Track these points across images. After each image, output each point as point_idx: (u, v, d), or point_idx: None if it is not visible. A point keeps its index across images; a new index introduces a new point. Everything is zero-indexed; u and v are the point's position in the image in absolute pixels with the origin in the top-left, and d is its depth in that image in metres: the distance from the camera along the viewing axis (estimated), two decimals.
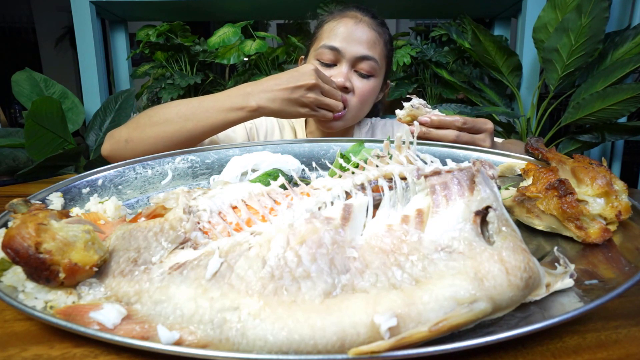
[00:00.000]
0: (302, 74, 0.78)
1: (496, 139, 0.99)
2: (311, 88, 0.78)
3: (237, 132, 1.00)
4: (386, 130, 1.12)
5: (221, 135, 0.94)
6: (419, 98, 0.74)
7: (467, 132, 0.73)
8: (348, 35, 0.92)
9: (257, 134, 1.04)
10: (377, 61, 0.95)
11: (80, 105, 2.04)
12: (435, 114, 0.73)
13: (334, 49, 0.92)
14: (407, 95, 0.75)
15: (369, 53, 0.93)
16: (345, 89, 0.93)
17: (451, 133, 0.72)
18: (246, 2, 2.03)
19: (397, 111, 0.76)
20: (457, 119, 0.72)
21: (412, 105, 0.73)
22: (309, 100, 0.79)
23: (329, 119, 0.85)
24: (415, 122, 0.73)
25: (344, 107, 0.93)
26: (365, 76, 0.95)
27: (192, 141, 0.81)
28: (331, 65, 0.94)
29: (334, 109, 0.83)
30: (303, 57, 1.09)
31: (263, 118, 1.06)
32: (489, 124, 0.74)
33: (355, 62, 0.93)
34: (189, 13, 2.20)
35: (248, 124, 1.02)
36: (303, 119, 1.11)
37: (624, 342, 0.31)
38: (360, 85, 0.94)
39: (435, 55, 2.12)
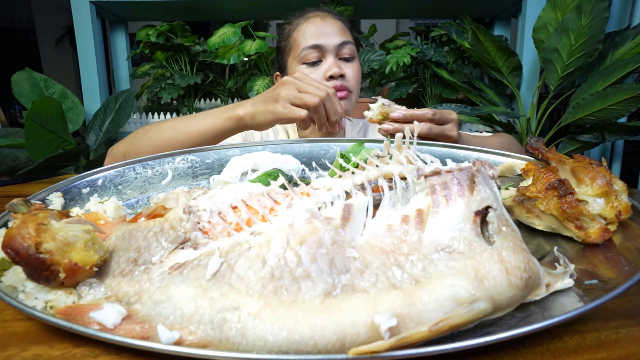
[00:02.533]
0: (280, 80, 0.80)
1: (475, 133, 1.01)
2: (283, 84, 0.77)
3: (235, 139, 1.01)
4: (378, 127, 1.13)
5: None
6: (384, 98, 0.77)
7: (436, 124, 0.76)
8: (321, 31, 0.99)
9: (253, 137, 1.07)
10: (353, 43, 1.02)
11: (80, 105, 2.04)
12: (406, 109, 0.75)
13: (316, 47, 0.98)
14: (373, 97, 0.77)
15: (345, 38, 1.00)
16: (342, 76, 0.98)
17: (424, 126, 0.74)
18: (246, 2, 2.03)
19: (366, 112, 0.76)
20: (427, 111, 0.74)
21: (383, 104, 0.74)
22: (280, 95, 0.76)
23: (301, 116, 0.75)
24: (415, 122, 0.73)
25: (347, 90, 0.98)
26: (349, 59, 1.02)
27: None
28: (317, 62, 0.99)
29: (309, 105, 0.75)
30: (278, 73, 1.12)
31: None
32: (453, 115, 0.77)
33: (337, 50, 1.00)
34: (189, 13, 2.20)
35: None
36: (295, 124, 1.12)
37: (624, 342, 0.31)
38: (349, 69, 1.01)
39: (435, 55, 2.11)
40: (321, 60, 0.99)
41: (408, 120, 0.74)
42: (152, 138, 0.84)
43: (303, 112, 0.75)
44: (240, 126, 0.80)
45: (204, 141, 0.81)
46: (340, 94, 0.96)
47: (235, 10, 2.20)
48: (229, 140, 0.97)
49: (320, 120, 0.76)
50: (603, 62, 1.74)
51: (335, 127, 0.78)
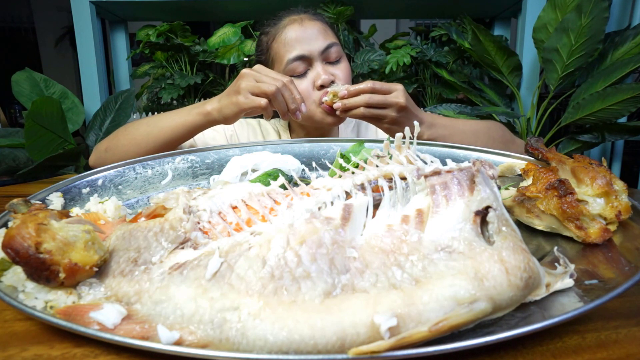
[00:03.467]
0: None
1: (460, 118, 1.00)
2: (242, 76, 0.79)
3: (217, 140, 1.01)
4: (371, 127, 1.13)
5: (199, 142, 0.97)
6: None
7: (379, 94, 0.79)
8: (302, 37, 0.94)
9: (238, 140, 1.06)
10: (337, 43, 0.97)
11: (80, 105, 2.04)
12: (349, 85, 0.81)
13: (301, 58, 0.93)
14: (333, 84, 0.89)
15: (328, 40, 0.95)
16: (332, 82, 0.95)
17: (364, 97, 0.79)
18: (246, 2, 2.03)
19: (324, 98, 0.87)
20: (367, 83, 0.79)
21: (333, 87, 0.86)
22: (240, 87, 0.79)
23: (261, 105, 0.77)
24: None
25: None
26: (337, 62, 0.97)
27: (161, 145, 0.85)
28: (306, 72, 0.94)
29: (267, 93, 0.76)
30: None
31: (244, 123, 1.08)
32: (398, 85, 0.81)
33: (323, 55, 0.95)
34: (189, 13, 2.20)
35: (228, 130, 1.04)
36: (286, 123, 1.12)
37: (624, 342, 0.31)
38: (339, 71, 0.97)
39: (435, 55, 2.11)
40: (309, 69, 0.94)
41: (352, 95, 0.80)
42: (130, 133, 0.88)
43: (263, 101, 0.77)
44: (210, 121, 0.83)
45: (177, 136, 0.85)
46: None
47: (235, 10, 2.19)
48: (209, 143, 0.98)
49: (280, 108, 0.79)
50: (603, 62, 1.74)
51: (296, 115, 0.80)
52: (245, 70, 0.80)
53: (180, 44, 2.15)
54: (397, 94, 0.79)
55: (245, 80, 0.78)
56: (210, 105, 0.82)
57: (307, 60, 0.93)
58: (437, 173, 0.39)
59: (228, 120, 0.82)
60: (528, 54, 1.94)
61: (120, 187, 0.65)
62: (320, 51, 0.93)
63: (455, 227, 0.34)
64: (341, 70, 0.96)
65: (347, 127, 1.13)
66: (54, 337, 0.32)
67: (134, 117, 2.20)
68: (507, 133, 0.94)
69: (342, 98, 0.81)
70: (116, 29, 2.29)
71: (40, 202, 0.41)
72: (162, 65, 2.29)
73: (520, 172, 0.59)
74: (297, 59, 0.93)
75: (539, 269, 0.33)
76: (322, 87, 0.92)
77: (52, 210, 0.37)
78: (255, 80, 0.78)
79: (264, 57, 1.02)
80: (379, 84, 0.79)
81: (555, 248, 0.38)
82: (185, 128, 0.84)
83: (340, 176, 0.44)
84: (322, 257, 0.32)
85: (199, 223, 0.41)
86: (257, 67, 0.81)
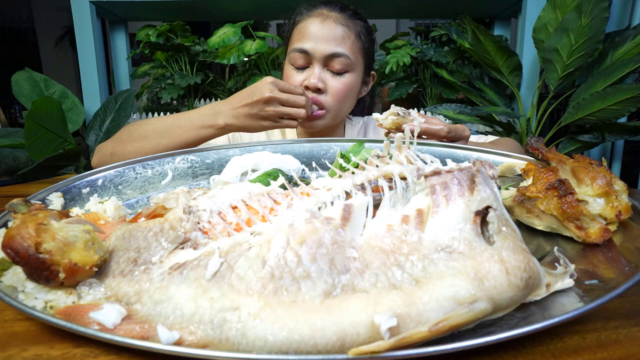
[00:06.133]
0: (259, 88, 0.79)
1: (478, 136, 0.99)
2: (268, 101, 0.79)
3: (219, 139, 1.00)
4: (379, 128, 1.11)
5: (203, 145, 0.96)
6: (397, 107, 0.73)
7: (448, 141, 0.74)
8: (315, 34, 0.91)
9: (241, 140, 1.05)
10: (348, 56, 0.92)
11: (80, 105, 2.04)
12: (420, 122, 0.71)
13: (303, 52, 0.91)
14: (393, 105, 0.74)
15: (338, 49, 0.91)
16: (318, 90, 0.92)
17: (438, 142, 0.74)
18: (246, 2, 2.03)
19: (377, 115, 0.73)
20: (442, 127, 0.72)
21: (398, 113, 0.70)
22: (268, 113, 0.79)
23: (293, 127, 0.84)
24: (415, 122, 0.73)
25: (321, 108, 0.92)
26: (338, 74, 0.93)
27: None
28: (304, 68, 0.93)
29: (296, 117, 0.81)
30: (284, 61, 1.09)
31: None
32: (466, 132, 0.75)
33: (326, 61, 0.91)
34: (189, 13, 2.20)
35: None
36: None
37: (624, 342, 0.31)
38: (334, 84, 0.92)
39: (435, 55, 2.11)
40: (308, 66, 0.93)
41: (420, 135, 0.74)
42: (138, 142, 0.86)
43: (294, 123, 0.82)
44: (225, 133, 0.85)
45: (186, 148, 0.84)
46: (314, 112, 0.91)
47: (235, 10, 2.19)
48: (223, 141, 0.98)
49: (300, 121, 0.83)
50: (603, 62, 1.74)
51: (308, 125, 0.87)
52: (266, 93, 0.78)
53: (180, 44, 2.15)
54: (462, 144, 0.75)
55: (272, 106, 0.79)
56: (224, 120, 0.82)
57: (308, 58, 0.92)
58: (437, 173, 0.39)
59: (248, 132, 0.85)
60: (528, 54, 1.94)
61: (120, 187, 0.65)
62: (323, 55, 0.91)
63: (456, 227, 0.34)
64: (339, 83, 0.92)
65: (354, 128, 1.11)
66: (54, 337, 0.32)
67: (134, 117, 2.20)
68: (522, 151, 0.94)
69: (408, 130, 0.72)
70: (116, 29, 2.29)
71: (40, 202, 0.41)
72: (162, 65, 2.29)
73: (520, 172, 0.59)
74: (300, 51, 0.92)
75: (539, 269, 0.33)
76: (307, 88, 0.91)
77: (52, 210, 0.37)
78: (281, 103, 0.80)
79: (285, 34, 1.02)
80: (452, 131, 0.73)
81: (555, 248, 0.38)
82: (197, 142, 0.84)
83: (340, 176, 0.44)
84: (322, 257, 0.32)
85: (199, 223, 0.41)
86: (276, 84, 0.80)
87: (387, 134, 0.73)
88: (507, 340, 0.28)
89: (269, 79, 0.80)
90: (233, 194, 0.45)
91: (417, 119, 0.71)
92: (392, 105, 0.72)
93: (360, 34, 0.97)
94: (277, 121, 0.81)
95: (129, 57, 2.31)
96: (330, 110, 0.94)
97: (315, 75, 0.91)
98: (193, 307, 0.31)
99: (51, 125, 1.64)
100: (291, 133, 1.10)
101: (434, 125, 0.72)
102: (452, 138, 0.74)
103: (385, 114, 0.71)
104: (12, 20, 6.21)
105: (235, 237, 0.37)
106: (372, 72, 1.07)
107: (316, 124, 0.95)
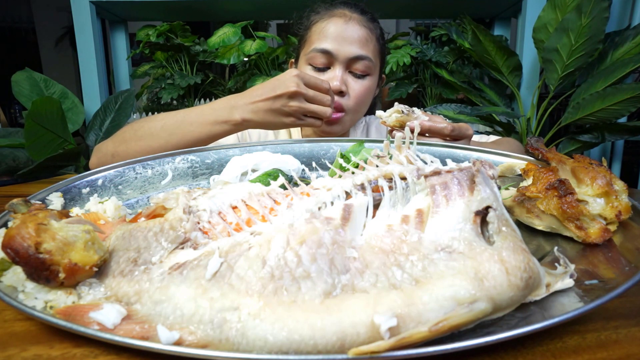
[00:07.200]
0: (283, 81, 0.73)
1: (480, 136, 0.98)
2: (293, 96, 0.73)
3: (228, 139, 0.98)
4: (381, 127, 1.11)
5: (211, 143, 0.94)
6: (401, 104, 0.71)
7: (452, 139, 0.73)
8: (339, 35, 0.88)
9: (250, 139, 1.03)
10: (371, 60, 0.91)
11: (80, 105, 2.05)
12: (423, 120, 0.71)
13: (326, 52, 0.89)
14: (396, 102, 0.72)
15: (363, 52, 0.90)
16: (341, 93, 0.90)
17: (438, 142, 0.72)
18: (246, 2, 2.03)
19: (380, 113, 0.71)
20: (446, 125, 0.71)
21: (402, 111, 0.69)
22: (292, 109, 0.73)
23: (317, 126, 0.78)
24: (415, 122, 0.73)
25: (341, 111, 0.90)
26: (360, 76, 0.92)
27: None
28: (324, 69, 0.91)
29: (322, 116, 0.75)
30: (293, 60, 1.05)
31: None
32: (470, 131, 0.74)
33: (349, 63, 0.90)
34: (189, 13, 2.20)
35: None
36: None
37: (624, 342, 0.31)
38: (356, 86, 0.92)
39: (435, 55, 2.12)
40: (329, 67, 0.91)
41: (424, 132, 0.72)
42: (144, 140, 0.80)
43: (318, 122, 0.76)
44: (243, 128, 0.79)
45: (198, 145, 0.79)
46: (333, 115, 0.88)
47: (235, 10, 2.19)
48: (221, 143, 0.97)
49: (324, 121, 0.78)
50: (603, 62, 1.74)
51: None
52: (292, 87, 0.72)
53: (180, 44, 2.15)
54: (465, 142, 0.74)
55: (296, 102, 0.73)
56: (241, 114, 0.75)
57: (330, 59, 0.90)
58: (437, 173, 0.39)
59: (266, 128, 0.78)
60: (528, 54, 1.94)
61: (120, 187, 0.65)
62: (347, 57, 0.89)
63: (456, 227, 0.34)
64: (360, 86, 0.92)
65: (356, 128, 1.11)
66: (54, 337, 0.32)
67: (134, 117, 2.20)
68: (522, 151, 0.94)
69: (412, 130, 0.70)
70: (116, 29, 2.29)
71: (40, 202, 0.41)
72: (162, 65, 2.29)
73: (520, 172, 0.59)
74: (321, 51, 0.89)
75: (539, 269, 0.33)
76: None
77: (52, 210, 0.37)
78: (306, 99, 0.74)
79: (301, 33, 0.98)
80: (456, 130, 0.72)
81: (555, 248, 0.38)
82: (210, 140, 0.79)
83: (340, 176, 0.44)
84: (322, 257, 0.32)
85: (198, 223, 0.41)
86: (302, 78, 0.74)
87: (390, 132, 0.72)
88: (507, 340, 0.28)
89: (294, 71, 0.75)
90: (233, 194, 0.45)
91: (420, 117, 0.70)
92: (396, 103, 0.71)
93: (380, 38, 0.97)
94: (301, 118, 0.75)
95: (129, 57, 2.31)
96: (349, 113, 0.93)
97: (338, 77, 0.89)
98: (193, 307, 0.31)
99: (51, 125, 1.64)
100: (296, 134, 1.09)
101: (438, 123, 0.72)
102: (455, 136, 0.73)
103: (389, 111, 0.70)
104: (12, 20, 6.21)
105: (235, 237, 0.37)
106: (383, 75, 1.08)
107: (334, 129, 0.93)
